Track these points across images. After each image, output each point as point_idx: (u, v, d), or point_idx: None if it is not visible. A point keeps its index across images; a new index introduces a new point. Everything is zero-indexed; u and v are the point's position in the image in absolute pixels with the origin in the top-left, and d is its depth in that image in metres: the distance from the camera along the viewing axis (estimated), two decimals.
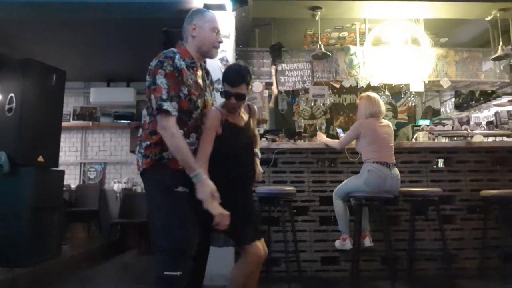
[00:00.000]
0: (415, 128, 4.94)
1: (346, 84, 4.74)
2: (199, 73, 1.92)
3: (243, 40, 4.43)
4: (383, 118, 3.31)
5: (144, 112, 1.91)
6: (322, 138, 3.61)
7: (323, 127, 3.86)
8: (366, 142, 3.16)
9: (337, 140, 3.48)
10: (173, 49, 1.84)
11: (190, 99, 1.81)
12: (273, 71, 4.58)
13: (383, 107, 3.31)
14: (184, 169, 1.76)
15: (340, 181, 3.34)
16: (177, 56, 1.80)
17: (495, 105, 5.36)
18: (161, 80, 1.74)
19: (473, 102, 5.58)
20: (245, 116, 2.08)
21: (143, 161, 1.83)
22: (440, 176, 3.71)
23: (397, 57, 4.55)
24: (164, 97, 1.72)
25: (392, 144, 3.23)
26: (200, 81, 1.90)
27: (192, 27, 1.87)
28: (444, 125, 4.75)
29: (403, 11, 4.38)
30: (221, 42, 1.93)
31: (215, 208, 1.73)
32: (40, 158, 3.61)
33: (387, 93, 5.16)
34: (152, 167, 1.81)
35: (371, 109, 3.23)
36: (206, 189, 1.72)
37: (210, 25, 1.88)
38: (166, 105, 1.71)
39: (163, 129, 1.73)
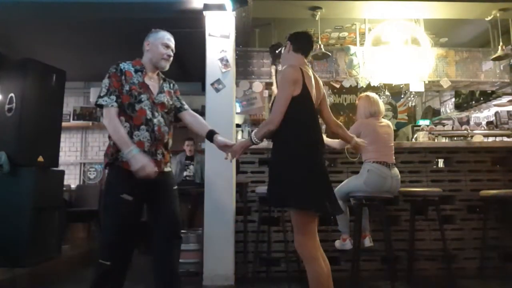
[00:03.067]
0: (415, 128, 4.95)
1: (346, 84, 4.73)
2: (152, 79, 2.23)
3: (243, 40, 4.42)
4: (382, 118, 3.31)
5: None
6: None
7: (323, 127, 3.83)
8: (367, 142, 3.15)
9: (337, 140, 3.47)
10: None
11: (131, 94, 2.10)
12: (273, 71, 4.56)
13: (382, 107, 3.31)
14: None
15: (340, 181, 3.34)
16: (125, 63, 2.18)
17: (495, 105, 5.37)
18: (104, 81, 2.12)
19: (473, 102, 5.58)
20: None
21: (104, 160, 2.16)
22: (440, 176, 3.71)
23: (397, 57, 4.54)
24: (102, 94, 2.08)
25: (392, 144, 3.23)
26: (149, 83, 2.20)
27: (146, 43, 2.26)
28: (444, 125, 4.76)
29: (403, 11, 4.38)
30: (170, 55, 2.26)
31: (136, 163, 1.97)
32: (40, 158, 3.61)
33: (387, 93, 5.17)
34: (109, 166, 2.11)
35: (371, 109, 3.23)
36: (136, 162, 1.96)
37: (160, 41, 2.24)
38: (100, 100, 2.06)
39: (104, 119, 2.08)
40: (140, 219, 2.14)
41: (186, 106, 2.40)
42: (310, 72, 2.17)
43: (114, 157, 2.08)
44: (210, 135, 2.27)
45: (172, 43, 2.28)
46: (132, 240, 2.13)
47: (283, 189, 1.99)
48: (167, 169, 2.23)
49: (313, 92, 2.12)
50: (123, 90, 2.10)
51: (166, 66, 2.25)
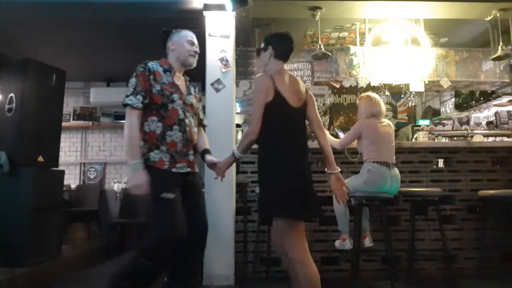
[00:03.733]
0: (415, 128, 4.95)
1: (346, 84, 4.74)
2: (180, 80, 2.21)
3: (243, 40, 4.42)
4: (383, 118, 3.31)
5: None
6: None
7: (326, 123, 3.81)
8: (368, 142, 3.15)
9: (338, 140, 3.47)
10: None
11: (163, 94, 2.07)
12: None
13: (383, 106, 3.30)
14: (171, 170, 2.03)
15: None
16: (152, 63, 2.13)
17: (495, 105, 5.36)
18: (131, 80, 2.08)
19: (473, 102, 5.58)
20: None
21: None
22: (440, 176, 3.71)
23: (397, 57, 4.54)
24: (128, 93, 2.03)
25: (393, 144, 3.22)
26: (178, 83, 2.18)
27: (170, 43, 2.24)
28: (444, 125, 4.75)
29: (403, 11, 4.37)
30: (196, 52, 2.24)
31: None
32: (40, 158, 3.61)
33: (387, 93, 5.17)
34: (145, 168, 2.01)
35: (372, 109, 3.22)
36: (141, 177, 1.93)
37: (185, 39, 2.23)
38: (127, 99, 2.02)
39: (125, 118, 2.02)
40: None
41: (205, 121, 2.41)
42: (286, 76, 2.13)
43: (145, 157, 2.02)
44: (203, 153, 2.29)
45: (196, 40, 2.27)
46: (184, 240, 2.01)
47: (262, 198, 2.03)
48: (197, 170, 2.23)
49: (290, 95, 2.07)
50: (153, 90, 2.06)
51: (194, 62, 2.24)
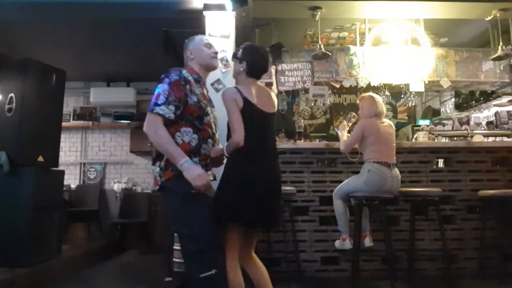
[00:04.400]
0: (415, 128, 4.95)
1: (346, 84, 4.74)
2: (205, 89, 2.13)
3: (243, 40, 4.37)
4: (384, 118, 3.31)
5: None
6: (343, 131, 3.42)
7: (352, 118, 3.61)
8: (369, 142, 3.15)
9: (343, 142, 3.40)
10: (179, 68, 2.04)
11: (200, 106, 1.97)
12: (273, 71, 4.57)
13: (384, 107, 3.32)
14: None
15: (340, 181, 3.34)
16: (184, 71, 2.00)
17: (495, 105, 5.36)
18: (163, 87, 1.91)
19: (473, 102, 5.58)
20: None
21: (162, 174, 1.93)
22: (440, 176, 3.71)
23: (397, 57, 4.54)
24: (160, 101, 1.87)
25: (394, 144, 3.23)
26: (206, 94, 2.11)
27: (189, 53, 2.12)
28: (444, 125, 4.75)
29: (403, 11, 4.37)
30: (216, 52, 2.16)
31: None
32: (40, 158, 3.61)
33: (387, 93, 5.16)
34: (173, 178, 1.89)
35: (375, 109, 3.23)
36: (192, 172, 1.83)
37: (201, 43, 2.13)
38: (158, 109, 1.86)
39: (147, 126, 1.87)
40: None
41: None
42: (253, 88, 2.10)
43: (179, 171, 1.87)
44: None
45: (211, 42, 2.20)
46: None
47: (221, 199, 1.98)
48: None
49: (260, 101, 2.07)
50: (190, 101, 1.94)
51: (218, 63, 2.20)
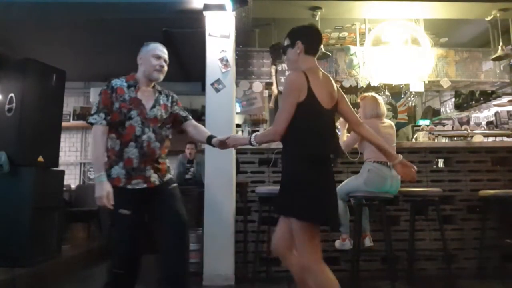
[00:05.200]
0: (415, 128, 4.95)
1: (346, 84, 4.74)
2: (146, 92, 2.24)
3: (243, 40, 4.42)
4: (384, 118, 3.31)
5: None
6: (343, 130, 3.39)
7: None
8: (368, 142, 3.14)
9: (342, 141, 3.41)
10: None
11: (120, 112, 2.12)
12: (273, 71, 4.57)
13: (385, 108, 3.33)
14: (126, 187, 2.12)
15: (340, 181, 3.34)
16: (118, 80, 2.20)
17: (495, 105, 5.37)
18: (97, 99, 2.17)
19: (473, 102, 5.59)
20: None
21: None
22: (440, 176, 3.71)
23: (397, 57, 4.55)
24: (92, 111, 2.14)
25: (394, 144, 3.23)
26: (143, 97, 2.20)
27: (139, 58, 2.27)
28: (444, 125, 4.75)
29: (403, 11, 4.38)
30: (162, 66, 2.24)
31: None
32: (40, 158, 3.61)
33: (387, 93, 5.17)
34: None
35: (377, 110, 3.23)
36: (103, 189, 2.03)
37: (151, 53, 2.24)
38: (91, 118, 2.12)
39: (91, 136, 2.17)
40: (144, 229, 2.24)
41: (189, 117, 2.41)
42: (320, 73, 1.98)
43: (108, 172, 2.13)
44: (209, 140, 2.27)
45: (164, 54, 2.28)
46: (140, 249, 2.21)
47: (287, 199, 1.89)
48: (166, 177, 2.26)
49: (323, 96, 1.92)
50: (113, 108, 2.13)
51: (160, 77, 2.25)
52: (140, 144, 2.13)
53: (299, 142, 1.88)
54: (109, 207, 2.04)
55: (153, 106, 2.22)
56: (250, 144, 2.01)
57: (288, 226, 1.92)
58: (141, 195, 2.15)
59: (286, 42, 2.03)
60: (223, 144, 2.19)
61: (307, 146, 1.87)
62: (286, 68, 4.60)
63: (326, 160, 1.93)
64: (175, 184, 2.29)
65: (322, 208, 1.86)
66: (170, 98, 2.35)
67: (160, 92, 2.32)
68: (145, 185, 2.15)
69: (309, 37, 2.00)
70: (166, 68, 2.28)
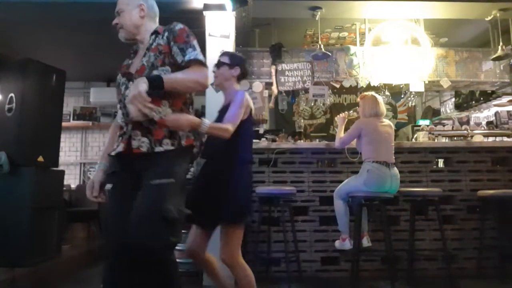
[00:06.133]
0: (415, 128, 4.94)
1: (346, 84, 4.74)
2: (140, 49, 1.98)
3: (243, 40, 4.42)
4: (383, 118, 3.31)
5: None
6: (341, 126, 3.43)
7: (354, 113, 3.68)
8: (367, 141, 3.16)
9: (338, 138, 3.42)
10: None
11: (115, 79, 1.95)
12: (273, 71, 4.58)
13: (385, 108, 3.33)
14: (110, 154, 1.75)
15: (340, 181, 3.34)
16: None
17: (495, 105, 5.36)
18: (190, 38, 1.85)
19: (473, 102, 5.58)
20: None
21: None
22: (440, 176, 3.71)
23: (397, 57, 4.55)
24: (196, 48, 1.80)
25: (393, 144, 3.23)
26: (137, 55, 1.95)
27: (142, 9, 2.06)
28: (444, 125, 4.74)
29: (403, 11, 4.38)
30: (116, 23, 2.05)
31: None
32: (40, 158, 3.60)
33: (387, 93, 5.16)
34: None
35: (377, 109, 3.23)
36: (91, 179, 1.91)
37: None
38: (202, 56, 1.80)
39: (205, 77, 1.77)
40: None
41: (180, 59, 1.74)
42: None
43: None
44: None
45: (116, 5, 2.01)
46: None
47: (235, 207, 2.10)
48: (157, 149, 1.62)
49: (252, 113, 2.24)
50: None
51: (120, 36, 2.03)
52: (122, 103, 1.79)
53: (242, 152, 2.13)
54: (91, 199, 1.81)
55: (143, 56, 1.87)
56: (201, 126, 1.75)
57: (204, 232, 2.21)
58: (119, 163, 1.68)
59: (225, 60, 2.28)
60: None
61: (240, 156, 2.12)
62: (286, 68, 4.61)
63: (249, 167, 2.22)
64: (159, 181, 1.57)
65: (251, 208, 2.19)
66: (166, 34, 1.84)
67: (157, 33, 1.90)
68: (120, 149, 1.66)
69: (245, 68, 2.35)
70: (120, 20, 1.99)
